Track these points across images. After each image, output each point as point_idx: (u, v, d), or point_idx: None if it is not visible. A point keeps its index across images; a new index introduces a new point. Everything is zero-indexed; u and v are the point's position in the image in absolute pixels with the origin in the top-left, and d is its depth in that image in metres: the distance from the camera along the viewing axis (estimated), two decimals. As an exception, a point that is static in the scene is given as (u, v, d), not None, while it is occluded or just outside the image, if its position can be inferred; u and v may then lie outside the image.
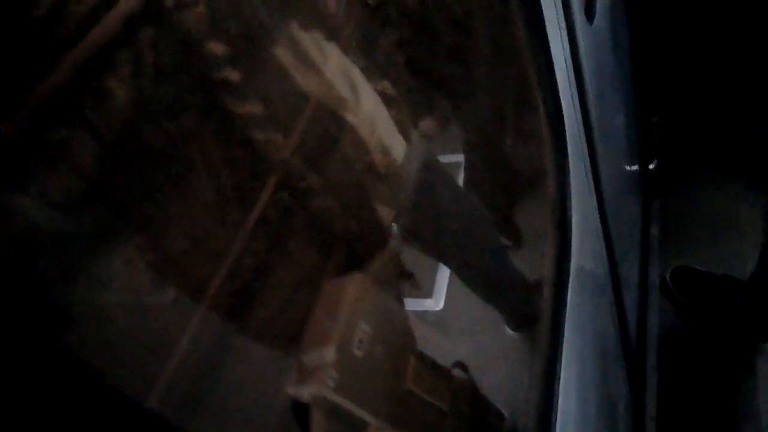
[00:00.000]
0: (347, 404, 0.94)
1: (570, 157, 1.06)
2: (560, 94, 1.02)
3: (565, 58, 1.04)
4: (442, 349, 1.17)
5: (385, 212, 1.07)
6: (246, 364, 0.87)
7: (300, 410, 0.89)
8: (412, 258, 1.13)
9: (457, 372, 1.12)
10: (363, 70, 0.99)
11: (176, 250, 0.82)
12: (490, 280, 1.37)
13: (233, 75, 0.77)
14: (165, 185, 0.80)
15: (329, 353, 0.93)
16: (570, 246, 1.02)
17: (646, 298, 1.91)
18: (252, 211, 0.90)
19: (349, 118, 0.97)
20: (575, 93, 1.11)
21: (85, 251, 0.71)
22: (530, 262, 1.36)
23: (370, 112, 1.01)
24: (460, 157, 1.44)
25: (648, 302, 1.90)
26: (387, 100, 1.05)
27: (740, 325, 1.76)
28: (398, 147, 1.07)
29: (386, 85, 1.06)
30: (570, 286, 0.99)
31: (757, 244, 1.53)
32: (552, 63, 0.98)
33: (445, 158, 1.37)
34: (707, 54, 2.02)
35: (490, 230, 1.40)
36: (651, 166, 2.21)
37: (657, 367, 1.74)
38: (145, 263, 0.79)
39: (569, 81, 1.07)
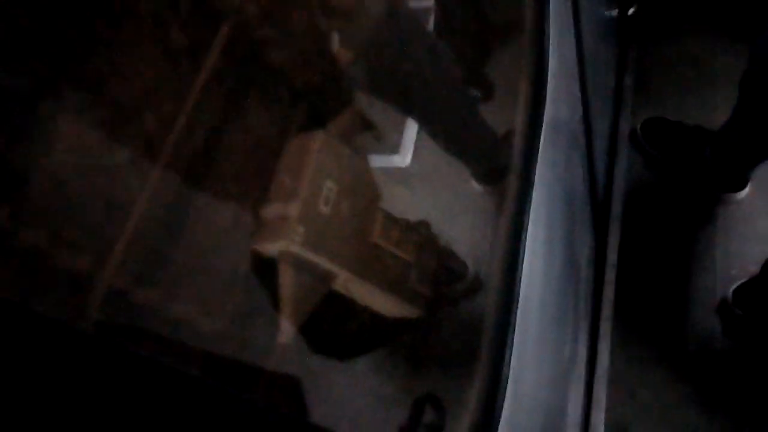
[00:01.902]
0: (314, 257, 0.95)
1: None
2: None
3: None
4: (409, 204, 1.17)
5: (346, 56, 1.01)
6: (207, 225, 0.85)
7: (263, 268, 0.90)
8: (378, 113, 1.10)
9: (422, 227, 1.13)
10: None
11: (125, 107, 0.78)
12: (456, 132, 1.34)
13: None
14: (110, 37, 0.75)
15: (295, 210, 0.93)
16: (545, 91, 0.95)
17: (615, 148, 1.91)
18: (204, 64, 0.84)
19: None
20: None
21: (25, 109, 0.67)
22: (501, 116, 1.33)
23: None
24: (430, 2, 1.35)
25: (617, 153, 1.90)
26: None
27: (708, 175, 1.78)
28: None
29: None
30: (543, 135, 0.94)
31: (730, 96, 1.50)
32: None
33: (414, 3, 1.29)
34: None
35: (459, 80, 1.35)
36: (630, 12, 2.13)
37: (621, 217, 1.78)
38: (93, 122, 0.75)
39: None
